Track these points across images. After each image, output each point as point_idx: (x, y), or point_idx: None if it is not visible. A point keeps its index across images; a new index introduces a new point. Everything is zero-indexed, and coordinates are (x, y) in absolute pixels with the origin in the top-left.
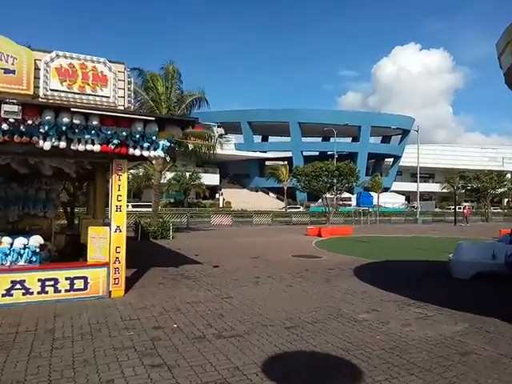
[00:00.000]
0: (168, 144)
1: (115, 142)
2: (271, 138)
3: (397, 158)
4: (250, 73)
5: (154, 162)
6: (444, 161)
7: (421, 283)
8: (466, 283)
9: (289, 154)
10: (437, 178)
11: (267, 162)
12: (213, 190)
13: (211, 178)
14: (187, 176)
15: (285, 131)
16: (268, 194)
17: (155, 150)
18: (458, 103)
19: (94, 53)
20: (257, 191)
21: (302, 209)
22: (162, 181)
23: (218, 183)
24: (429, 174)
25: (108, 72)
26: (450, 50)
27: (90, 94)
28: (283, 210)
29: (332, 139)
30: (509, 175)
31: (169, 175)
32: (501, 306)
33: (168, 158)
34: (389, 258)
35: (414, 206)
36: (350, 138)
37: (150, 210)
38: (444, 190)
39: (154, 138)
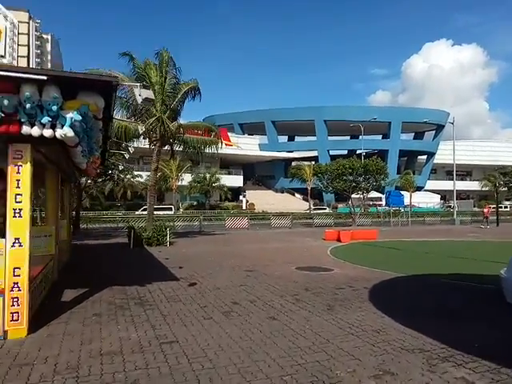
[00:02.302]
0: (79, 118)
1: None
2: (297, 138)
3: (431, 154)
4: (276, 74)
5: (153, 157)
6: (482, 157)
7: (461, 314)
8: None
9: (315, 154)
10: (474, 176)
11: (293, 163)
12: (237, 192)
13: (234, 180)
14: (207, 178)
15: (311, 130)
16: (294, 195)
17: (61, 127)
18: (493, 99)
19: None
20: (282, 192)
21: (328, 210)
22: (181, 183)
23: (241, 185)
24: (466, 172)
25: (2, 21)
26: (483, 45)
27: None
28: (307, 211)
29: (360, 137)
30: None
31: (188, 177)
32: None
33: (77, 139)
34: (419, 272)
35: (450, 206)
36: (380, 136)
37: (171, 213)
38: (483, 188)
39: (56, 108)
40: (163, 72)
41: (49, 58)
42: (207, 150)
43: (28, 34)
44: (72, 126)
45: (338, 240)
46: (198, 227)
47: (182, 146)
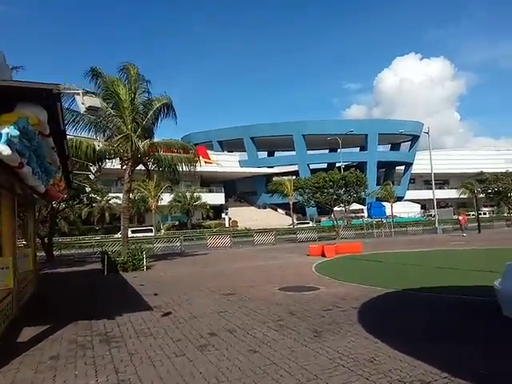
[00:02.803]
0: (16, 133)
1: None
2: (277, 154)
3: (408, 165)
4: (251, 93)
5: (125, 177)
6: (458, 165)
7: (460, 334)
8: None
9: (296, 168)
10: (452, 184)
11: (274, 178)
12: (219, 210)
13: (216, 198)
14: (188, 196)
15: (290, 145)
16: (276, 210)
17: None
18: (464, 109)
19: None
20: (265, 208)
21: (311, 224)
22: (161, 203)
23: (223, 202)
24: (443, 180)
25: None
26: (451, 58)
27: None
28: (291, 226)
29: (339, 150)
30: None
31: (168, 197)
32: None
33: (18, 158)
34: (409, 286)
35: (430, 215)
36: (358, 148)
37: (152, 234)
38: (461, 196)
39: None
40: (132, 88)
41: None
42: (184, 168)
43: None
44: (9, 144)
45: (323, 255)
46: (179, 248)
47: (156, 165)
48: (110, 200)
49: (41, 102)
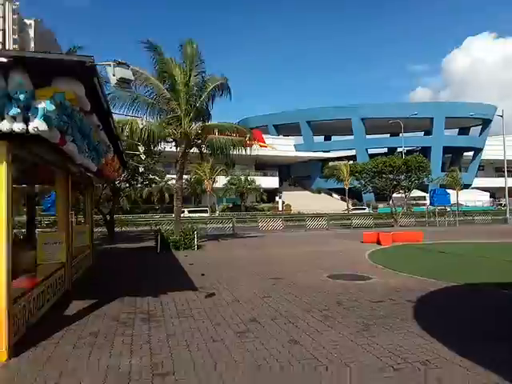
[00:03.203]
0: (52, 108)
1: None
2: (334, 138)
3: (477, 150)
4: (311, 78)
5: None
6: None
7: None
8: None
9: (353, 153)
10: None
11: (330, 163)
12: (273, 193)
13: (270, 181)
14: (242, 180)
15: (348, 130)
16: (331, 195)
17: (33, 118)
18: None
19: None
20: (319, 193)
21: (367, 210)
22: (216, 185)
23: (277, 186)
24: None
25: None
26: None
27: None
28: (346, 211)
29: (400, 134)
30: None
31: (223, 180)
32: None
33: (58, 134)
34: (473, 280)
35: (501, 204)
36: (422, 133)
37: (207, 215)
38: None
39: (23, 97)
40: (187, 69)
41: (32, 45)
42: (237, 152)
43: (3, 17)
44: (46, 119)
45: (378, 243)
46: (231, 230)
47: (209, 148)
48: (168, 181)
49: (77, 76)
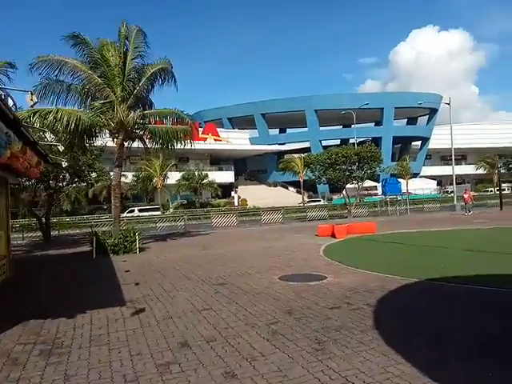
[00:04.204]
0: None
1: None
2: (289, 130)
3: (425, 140)
4: (263, 71)
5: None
6: (476, 140)
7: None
8: None
9: (308, 145)
10: (469, 160)
11: (285, 156)
12: (228, 188)
13: (225, 176)
14: (196, 175)
15: (302, 122)
16: (287, 188)
17: None
18: (483, 82)
19: None
20: (275, 186)
21: (323, 202)
22: (169, 181)
23: (233, 180)
24: (461, 156)
25: None
26: (470, 29)
27: None
28: (301, 204)
29: (353, 126)
30: None
31: (177, 176)
32: None
33: None
34: (434, 275)
35: (447, 191)
36: (373, 123)
37: (158, 213)
38: (479, 172)
39: None
40: (121, 50)
41: None
42: (182, 144)
43: None
44: None
45: (333, 236)
46: (183, 228)
47: (152, 140)
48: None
49: None
